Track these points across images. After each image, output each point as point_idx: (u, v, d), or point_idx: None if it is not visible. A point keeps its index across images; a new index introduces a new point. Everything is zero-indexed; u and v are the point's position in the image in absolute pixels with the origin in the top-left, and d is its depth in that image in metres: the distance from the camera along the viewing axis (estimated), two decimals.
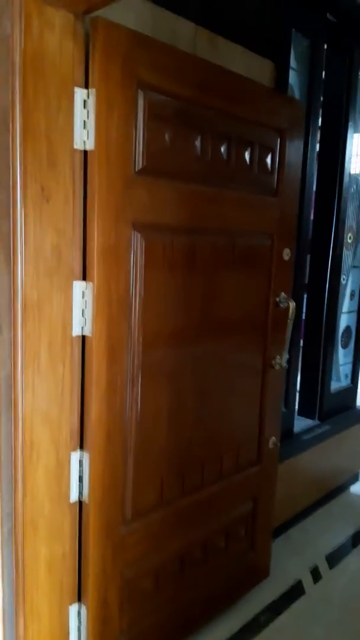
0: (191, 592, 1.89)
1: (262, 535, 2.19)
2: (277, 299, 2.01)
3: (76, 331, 1.40)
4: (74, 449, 1.45)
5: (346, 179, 2.69)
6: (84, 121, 1.32)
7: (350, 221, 2.85)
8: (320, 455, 2.83)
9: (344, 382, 3.11)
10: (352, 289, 3.00)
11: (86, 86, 1.31)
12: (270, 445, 2.12)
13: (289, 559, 2.48)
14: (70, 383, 1.41)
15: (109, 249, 1.39)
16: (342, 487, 3.16)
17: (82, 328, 1.41)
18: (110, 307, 1.42)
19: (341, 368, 3.06)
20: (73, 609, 1.53)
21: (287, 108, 1.89)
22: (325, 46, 2.49)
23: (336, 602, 2.22)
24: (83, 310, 1.40)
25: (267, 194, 1.89)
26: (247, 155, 1.77)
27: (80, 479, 1.48)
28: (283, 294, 2.02)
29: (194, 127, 1.57)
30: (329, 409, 2.96)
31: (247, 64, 1.96)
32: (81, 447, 1.47)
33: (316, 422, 2.89)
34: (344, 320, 2.99)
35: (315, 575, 2.39)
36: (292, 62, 2.25)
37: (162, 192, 1.50)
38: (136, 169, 1.42)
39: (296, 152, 1.96)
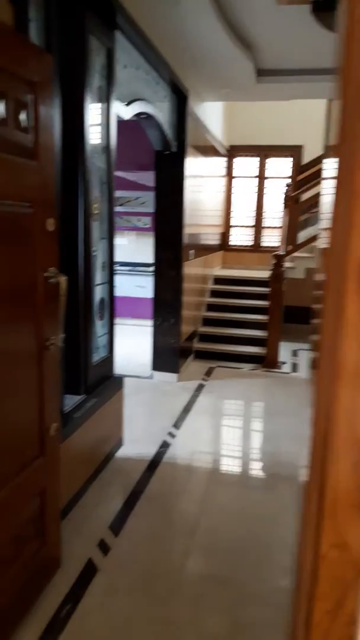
0: None
1: (51, 528, 2.06)
2: (46, 274, 1.84)
3: None
4: None
5: (88, 147, 2.63)
6: None
7: (95, 192, 2.82)
8: (90, 429, 2.81)
9: (103, 353, 3.14)
10: (102, 260, 3.01)
11: None
12: (52, 432, 1.98)
13: (75, 540, 2.41)
14: None
15: None
16: (111, 455, 3.24)
17: None
18: None
19: (99, 340, 3.07)
20: None
21: (38, 60, 1.69)
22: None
23: (129, 568, 2.27)
24: None
25: (26, 157, 1.68)
26: (0, 108, 1.51)
27: None
28: (52, 268, 1.86)
29: None
30: (92, 382, 2.95)
31: None
32: None
33: (82, 396, 2.84)
34: (98, 292, 2.99)
35: (104, 548, 2.39)
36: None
37: None
38: None
39: (50, 111, 1.79)
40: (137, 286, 7.45)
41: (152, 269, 4.89)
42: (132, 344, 5.85)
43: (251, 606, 2.06)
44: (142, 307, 7.22)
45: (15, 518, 1.77)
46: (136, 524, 2.60)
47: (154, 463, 3.24)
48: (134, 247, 7.55)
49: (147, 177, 6.78)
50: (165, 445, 3.50)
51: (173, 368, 4.90)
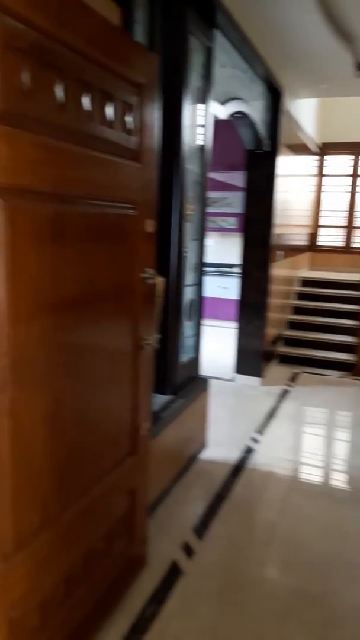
0: (79, 609, 1.68)
1: (139, 527, 2.07)
2: (144, 275, 1.85)
3: None
4: None
5: (185, 147, 2.62)
6: None
7: (189, 193, 2.81)
8: (176, 430, 2.81)
9: (190, 354, 3.13)
10: (193, 261, 3.00)
11: None
12: (143, 431, 1.99)
13: (160, 540, 2.42)
14: None
15: None
16: (195, 456, 3.22)
17: None
18: None
19: (187, 340, 3.07)
20: None
21: (144, 61, 1.70)
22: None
23: (214, 574, 2.24)
24: None
25: (131, 159, 1.69)
26: (109, 111, 1.53)
27: None
28: (149, 269, 1.87)
29: (54, 69, 1.27)
30: (179, 382, 2.95)
31: (93, 3, 1.69)
32: None
33: (170, 396, 2.85)
34: (188, 293, 2.98)
35: (188, 550, 2.38)
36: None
37: (25, 148, 1.19)
38: None
39: (153, 112, 1.79)
40: (220, 287, 7.40)
41: (235, 269, 4.82)
42: (213, 346, 5.81)
43: (342, 629, 1.94)
44: (225, 308, 7.17)
45: (108, 515, 1.80)
46: (220, 529, 2.56)
47: (238, 468, 3.19)
48: (218, 247, 7.52)
49: (235, 177, 6.72)
50: (248, 451, 3.43)
51: (256, 372, 4.80)
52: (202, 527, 2.56)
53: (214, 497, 2.84)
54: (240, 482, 3.02)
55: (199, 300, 3.14)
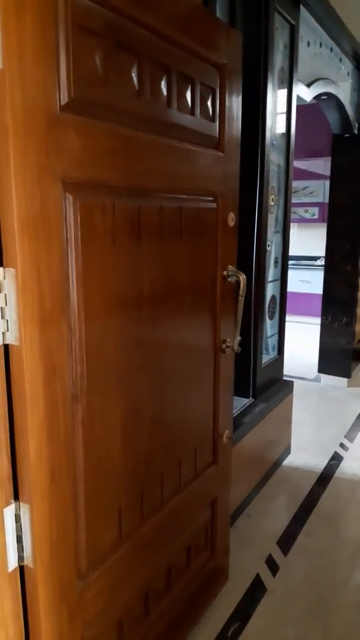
0: (157, 626, 1.59)
1: (221, 539, 1.95)
2: (225, 272, 1.71)
3: None
4: (7, 503, 1.04)
5: (268, 133, 2.45)
6: None
7: (273, 183, 2.63)
8: (259, 435, 2.66)
9: (272, 354, 2.96)
10: (275, 255, 2.82)
11: None
12: (225, 439, 1.86)
13: (242, 552, 2.29)
14: None
15: (33, 219, 0.97)
16: (278, 463, 3.05)
17: (4, 335, 0.99)
18: (43, 301, 1.01)
19: (269, 340, 2.90)
20: None
21: (226, 39, 1.56)
22: None
23: (301, 593, 2.07)
24: (3, 310, 0.97)
25: (212, 147, 1.56)
26: (188, 96, 1.41)
27: (19, 538, 1.08)
28: (230, 266, 1.73)
29: (129, 51, 1.17)
30: (261, 384, 2.79)
31: None
32: (16, 497, 1.07)
33: (250, 399, 2.70)
34: (270, 289, 2.81)
35: (272, 565, 2.22)
36: None
37: (97, 138, 1.10)
38: (61, 102, 1.00)
39: (237, 96, 1.65)
40: (301, 281, 7.05)
41: (319, 262, 4.53)
42: (294, 343, 5.54)
43: None
44: (306, 303, 6.84)
45: (188, 527, 1.70)
46: (307, 544, 2.38)
47: (325, 476, 2.97)
48: (299, 239, 7.19)
49: (318, 165, 6.37)
50: (336, 458, 3.20)
51: (343, 372, 4.50)
52: (286, 541, 2.40)
53: (299, 508, 2.65)
54: (327, 492, 2.80)
55: (282, 297, 2.95)
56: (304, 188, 7.10)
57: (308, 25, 2.91)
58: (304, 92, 2.96)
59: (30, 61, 0.92)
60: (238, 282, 1.73)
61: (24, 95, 0.91)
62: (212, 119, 1.55)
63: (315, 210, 7.32)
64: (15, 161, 0.91)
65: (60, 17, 0.98)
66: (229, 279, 1.73)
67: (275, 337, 2.98)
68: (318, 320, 4.61)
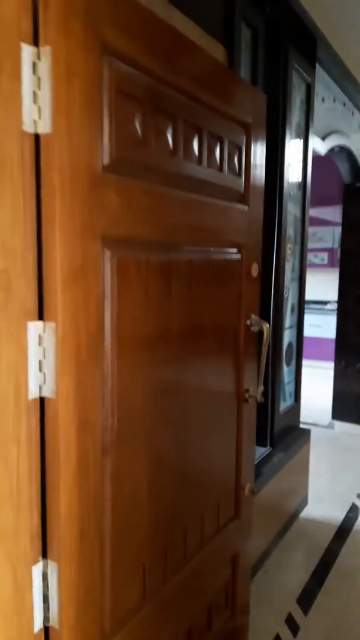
0: None
1: (241, 596, 1.88)
2: (248, 322, 1.72)
3: (33, 393, 0.97)
4: (35, 561, 1.02)
5: (286, 185, 2.51)
6: (34, 92, 0.91)
7: (289, 231, 2.68)
8: (277, 485, 2.60)
9: (289, 401, 2.93)
10: (292, 302, 2.84)
11: (35, 43, 0.91)
12: (247, 492, 1.82)
13: (261, 611, 2.19)
14: (28, 469, 0.97)
15: (74, 274, 0.99)
16: (295, 514, 2.96)
17: (41, 388, 0.99)
18: (79, 354, 1.02)
19: (286, 387, 2.88)
20: None
21: (251, 100, 1.62)
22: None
23: None
24: (41, 363, 0.98)
25: (237, 201, 1.60)
26: (217, 154, 1.46)
27: (45, 598, 1.05)
28: (253, 315, 1.74)
29: (164, 113, 1.22)
30: (278, 432, 2.75)
31: (201, 45, 1.67)
32: (44, 555, 1.04)
33: (268, 448, 2.66)
34: (286, 336, 2.81)
35: (292, 625, 2.13)
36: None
37: (135, 196, 1.14)
38: (104, 163, 1.04)
39: (261, 152, 1.70)
40: (311, 325, 7.05)
41: (327, 306, 4.56)
42: (306, 388, 5.48)
43: None
44: (316, 347, 6.81)
45: (209, 585, 1.64)
46: (328, 604, 2.28)
47: (344, 530, 2.88)
48: (309, 284, 7.23)
49: (327, 212, 6.50)
50: (354, 510, 3.11)
51: (358, 419, 4.43)
52: (306, 599, 2.30)
53: (319, 564, 2.56)
54: (348, 547, 2.71)
55: (299, 343, 2.95)
56: (313, 234, 7.21)
57: (323, 82, 3.04)
58: (319, 145, 3.05)
59: (77, 126, 0.96)
60: (261, 331, 1.74)
61: (71, 158, 0.94)
62: (238, 174, 1.59)
63: (325, 255, 7.42)
64: (61, 220, 0.93)
65: (105, 83, 1.03)
66: (252, 328, 1.73)
67: (292, 384, 2.96)
68: (329, 364, 4.59)
